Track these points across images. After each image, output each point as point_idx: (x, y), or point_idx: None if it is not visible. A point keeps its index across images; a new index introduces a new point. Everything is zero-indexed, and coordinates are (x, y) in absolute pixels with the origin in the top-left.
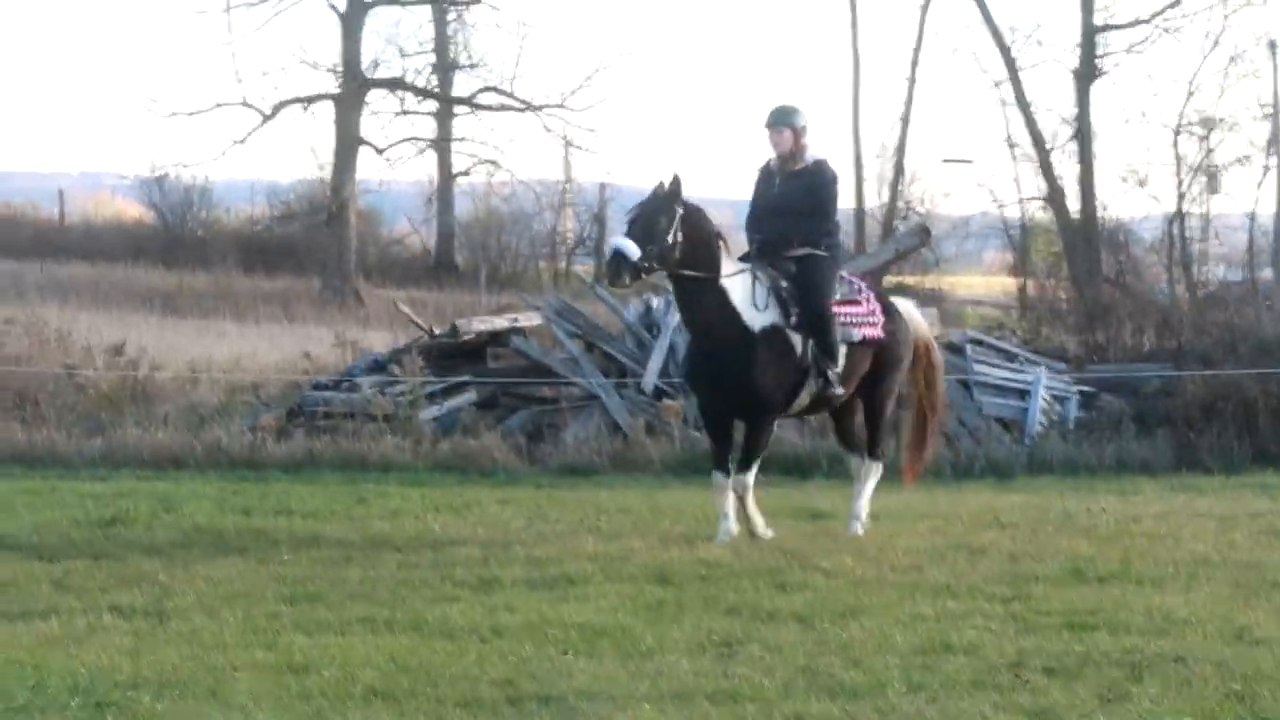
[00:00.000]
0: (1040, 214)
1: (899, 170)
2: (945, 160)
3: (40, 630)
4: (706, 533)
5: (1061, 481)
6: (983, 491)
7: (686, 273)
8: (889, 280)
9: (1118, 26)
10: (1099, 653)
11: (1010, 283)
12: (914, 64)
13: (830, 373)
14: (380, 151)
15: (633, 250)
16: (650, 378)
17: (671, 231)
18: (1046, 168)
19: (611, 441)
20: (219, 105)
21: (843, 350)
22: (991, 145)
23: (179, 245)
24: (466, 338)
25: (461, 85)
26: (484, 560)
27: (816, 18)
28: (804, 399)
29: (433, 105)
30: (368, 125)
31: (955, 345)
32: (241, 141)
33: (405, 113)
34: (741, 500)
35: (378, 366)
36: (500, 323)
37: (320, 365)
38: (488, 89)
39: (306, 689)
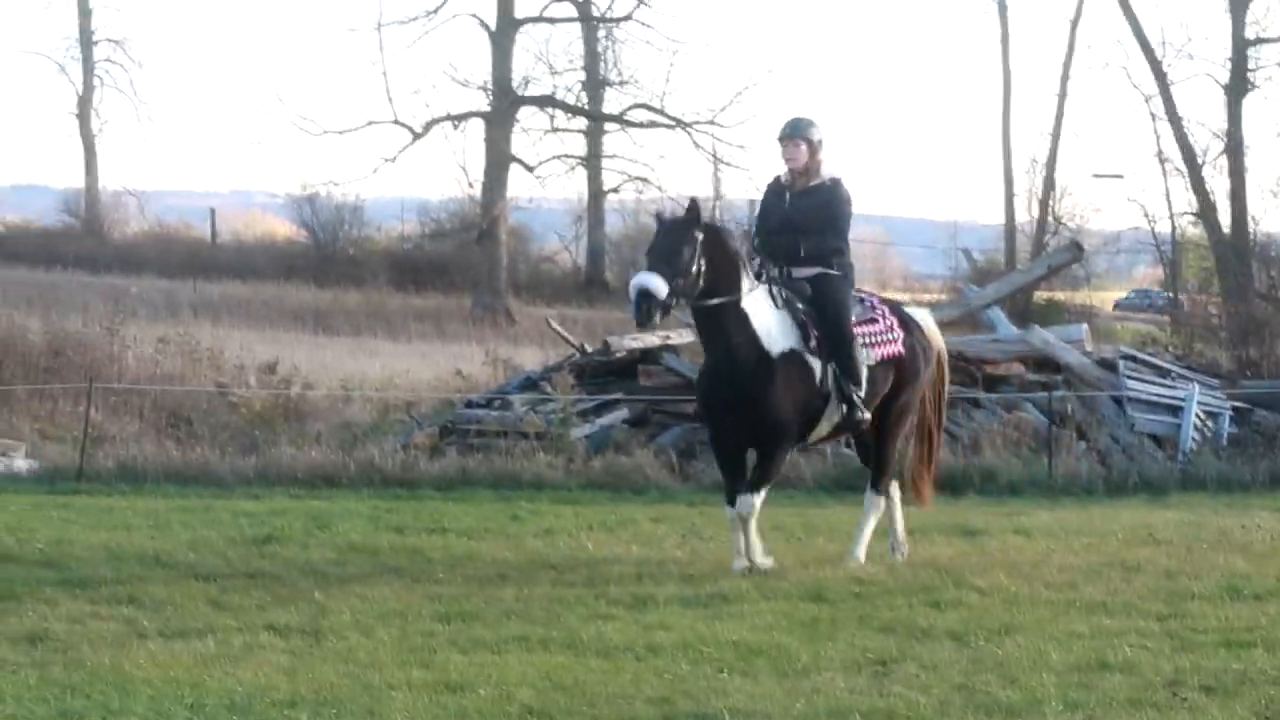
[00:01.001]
0: (1191, 229)
1: (1049, 185)
2: (1095, 175)
3: (197, 649)
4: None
5: (1215, 498)
6: (1137, 508)
7: (711, 301)
8: (1039, 295)
9: (1269, 40)
10: (1256, 670)
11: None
12: (1064, 79)
13: (855, 397)
14: (531, 169)
15: (660, 287)
16: None
17: (695, 261)
18: (1197, 182)
19: None
20: (370, 123)
21: (864, 373)
22: (1142, 160)
23: (330, 263)
24: (618, 355)
25: (612, 102)
26: (638, 578)
27: (967, 32)
28: (824, 428)
29: (583, 122)
30: (518, 142)
31: (1108, 361)
32: (392, 159)
33: (555, 130)
34: (744, 524)
35: (530, 384)
36: (652, 340)
37: (472, 383)
38: (638, 106)
39: (462, 708)
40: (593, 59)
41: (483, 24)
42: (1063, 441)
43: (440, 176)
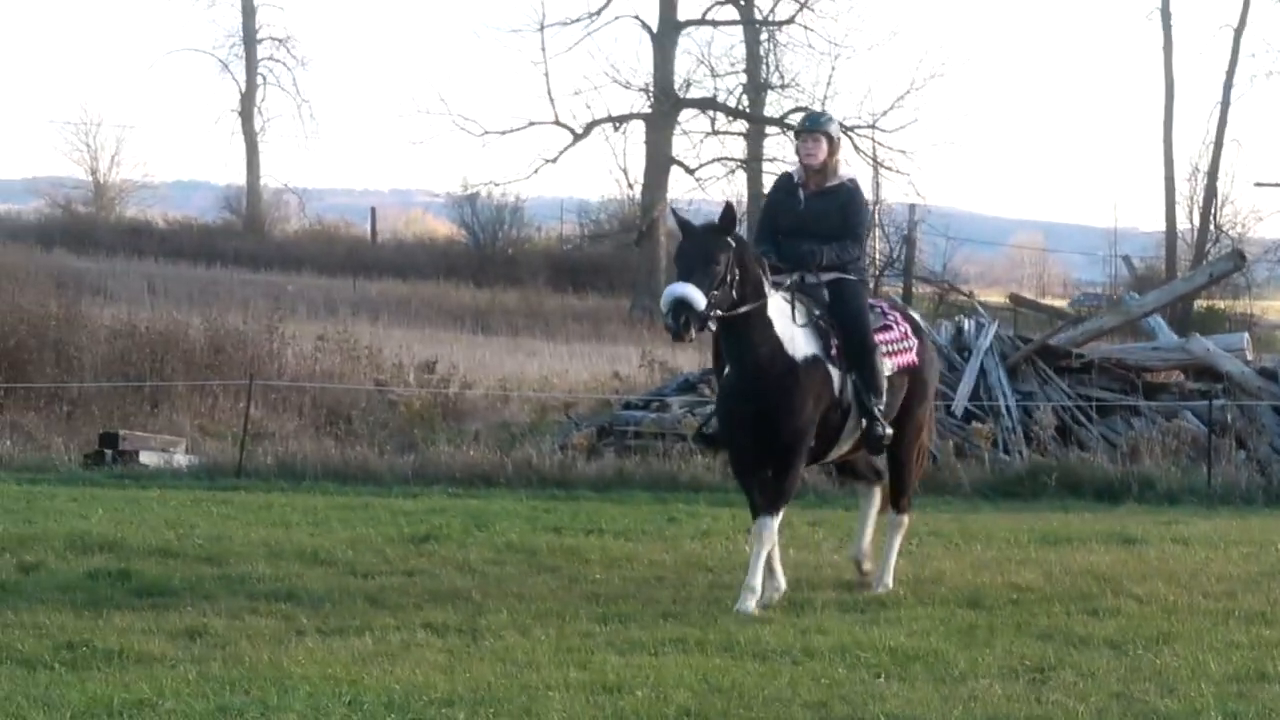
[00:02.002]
0: None
1: (1211, 193)
2: (1258, 184)
3: (355, 646)
4: (1018, 557)
5: None
6: None
7: (739, 310)
8: (1199, 303)
9: None
10: None
11: None
12: (1227, 86)
13: (876, 410)
14: (691, 171)
15: (699, 299)
16: (960, 400)
17: (730, 270)
18: None
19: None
20: (531, 124)
21: (884, 385)
22: None
23: (489, 263)
24: None
25: (773, 106)
26: (795, 582)
27: (1130, 41)
28: (844, 445)
29: (743, 125)
30: (679, 144)
31: (1269, 370)
32: (553, 160)
33: (716, 132)
34: (759, 546)
35: (687, 386)
36: None
37: (630, 384)
38: (799, 109)
39: (619, 709)
40: (754, 62)
41: (644, 26)
42: (1222, 450)
43: (600, 178)
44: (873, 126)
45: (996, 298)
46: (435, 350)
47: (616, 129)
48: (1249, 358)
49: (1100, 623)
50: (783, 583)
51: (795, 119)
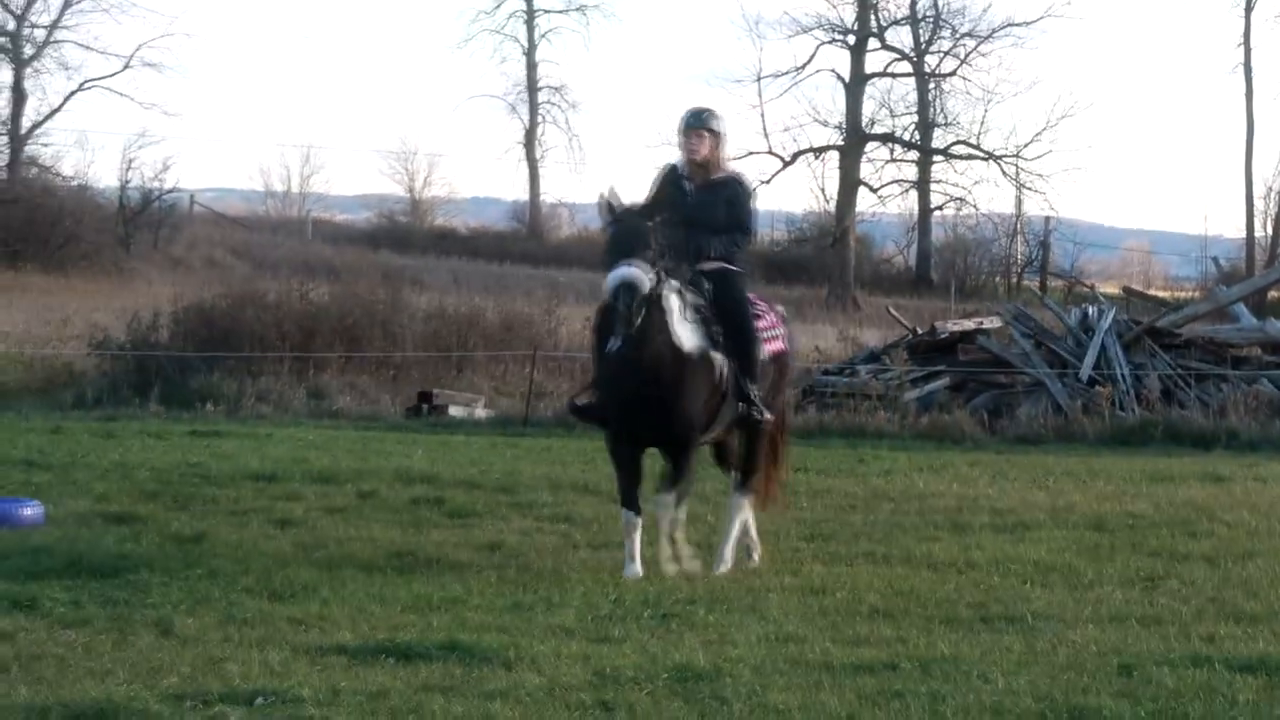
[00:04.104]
0: None
1: None
2: None
3: (619, 557)
4: (1132, 491)
5: None
6: None
7: (658, 294)
8: (1273, 294)
9: None
10: None
11: None
12: None
13: (754, 395)
14: (874, 190)
15: (644, 280)
16: (1086, 369)
17: (659, 254)
18: None
19: (1055, 418)
20: (750, 153)
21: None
22: None
23: None
24: (942, 336)
25: (938, 139)
26: (958, 509)
27: (1218, 85)
28: (718, 427)
29: (915, 155)
30: (865, 169)
31: None
32: (767, 182)
33: (894, 160)
34: (671, 534)
35: (872, 357)
36: (968, 325)
37: (827, 356)
38: (959, 142)
39: (824, 607)
40: (924, 105)
41: (839, 77)
42: None
43: (803, 195)
44: (1017, 155)
45: (1113, 290)
46: None
47: (816, 157)
48: None
49: (1198, 543)
50: (687, 559)
51: (956, 150)
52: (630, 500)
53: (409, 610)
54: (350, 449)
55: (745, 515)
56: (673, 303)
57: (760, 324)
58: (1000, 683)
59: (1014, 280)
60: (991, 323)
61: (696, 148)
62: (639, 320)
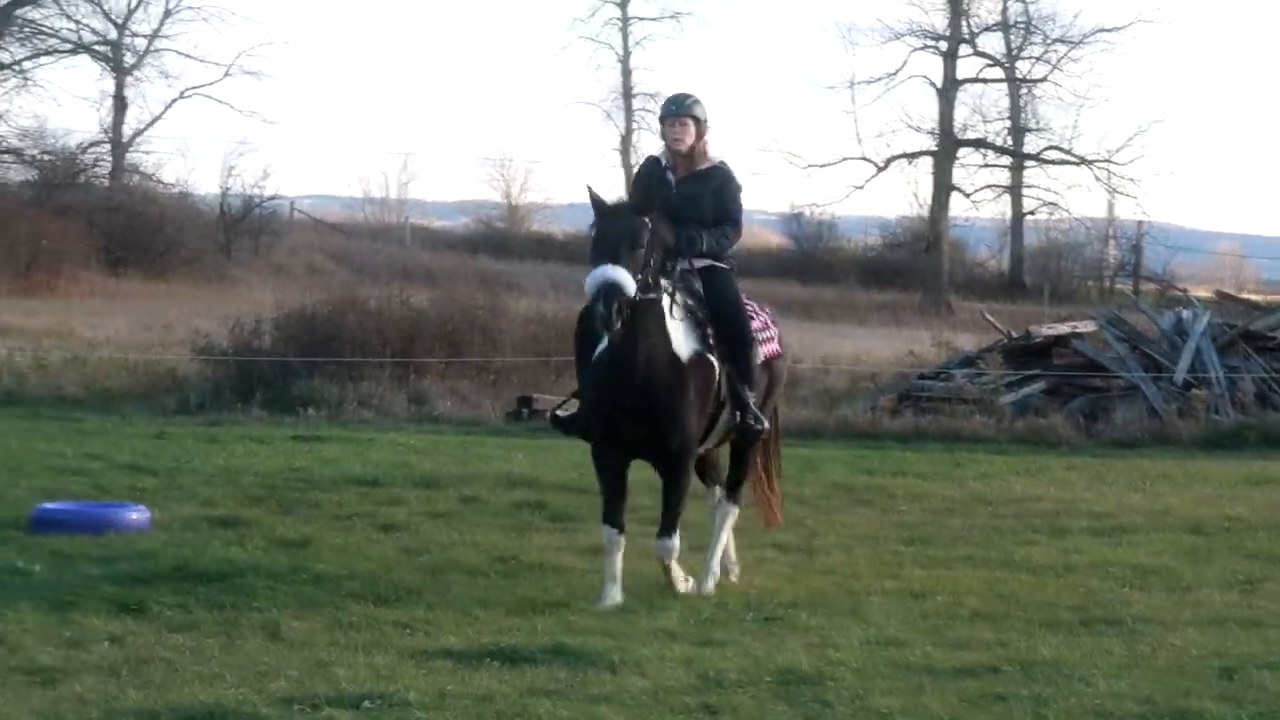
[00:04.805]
0: None
1: None
2: None
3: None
4: (1229, 494)
5: None
6: None
7: (648, 297)
8: None
9: None
10: None
11: None
12: None
13: (751, 402)
14: (967, 195)
15: (629, 283)
16: (1180, 373)
17: (650, 253)
18: None
19: (1150, 422)
20: (844, 159)
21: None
22: None
23: (812, 267)
24: (1036, 340)
25: (1030, 144)
26: (1055, 513)
27: None
28: (713, 439)
29: (1008, 160)
30: (957, 175)
31: None
32: (860, 187)
33: (986, 166)
34: (668, 568)
35: (967, 361)
36: (1062, 329)
37: (923, 360)
38: (1051, 148)
39: (925, 610)
40: (1016, 110)
41: (931, 83)
42: None
43: (896, 200)
44: (1109, 160)
45: (1205, 293)
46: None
47: (909, 163)
48: None
49: None
50: (680, 581)
51: (1048, 155)
52: (614, 516)
53: (514, 614)
54: (452, 453)
55: (731, 524)
56: (664, 304)
57: (754, 325)
58: (1102, 686)
59: (1107, 284)
60: (1085, 327)
61: (680, 136)
62: (619, 324)
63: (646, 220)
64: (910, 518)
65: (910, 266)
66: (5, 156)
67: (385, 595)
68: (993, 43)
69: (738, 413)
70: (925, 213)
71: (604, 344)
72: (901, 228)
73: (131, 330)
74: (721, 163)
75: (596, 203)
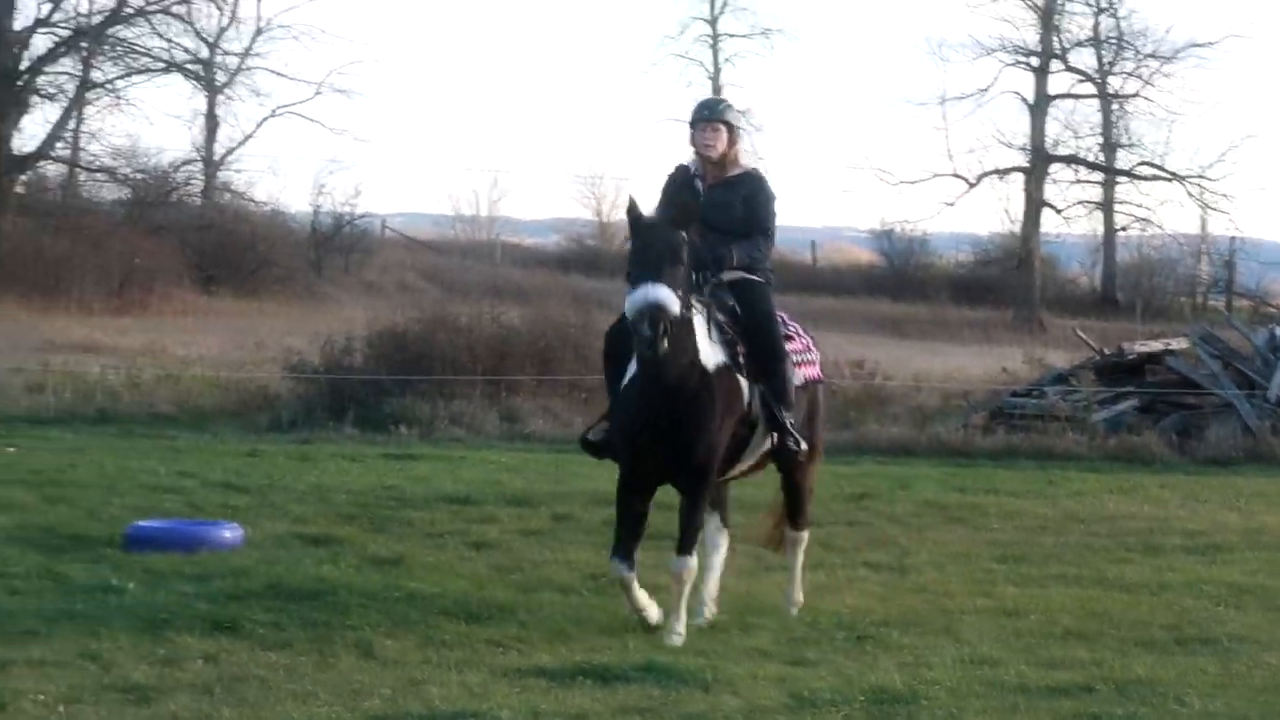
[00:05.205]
0: None
1: None
2: None
3: (812, 580)
4: None
5: None
6: None
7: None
8: None
9: None
10: None
11: None
12: None
13: (788, 422)
14: (1059, 211)
15: (674, 302)
16: (1275, 389)
17: (689, 269)
18: None
19: (1244, 439)
20: (935, 175)
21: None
22: None
23: (904, 283)
24: (1129, 357)
25: (1123, 160)
26: (1150, 531)
27: None
28: (746, 461)
29: (1099, 176)
30: (1049, 191)
31: None
32: (951, 204)
33: (1078, 181)
34: (680, 587)
35: (1060, 379)
36: (1155, 345)
37: (1014, 377)
38: (1143, 163)
39: (1018, 629)
40: (1108, 126)
41: (1023, 99)
42: None
43: (988, 216)
44: (1201, 176)
45: None
46: (863, 350)
47: (1001, 179)
48: None
49: None
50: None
51: (1140, 170)
52: (626, 551)
53: (606, 632)
54: (544, 471)
55: (803, 551)
56: (697, 320)
57: (793, 346)
58: (1196, 705)
59: (1200, 301)
60: (1178, 344)
61: (711, 142)
62: (665, 346)
63: (685, 236)
64: (1003, 536)
65: (1002, 283)
66: (98, 175)
67: (478, 613)
68: (1084, 58)
69: (773, 434)
70: (1017, 229)
71: (634, 365)
72: (993, 244)
73: (223, 348)
74: (753, 169)
75: (634, 218)
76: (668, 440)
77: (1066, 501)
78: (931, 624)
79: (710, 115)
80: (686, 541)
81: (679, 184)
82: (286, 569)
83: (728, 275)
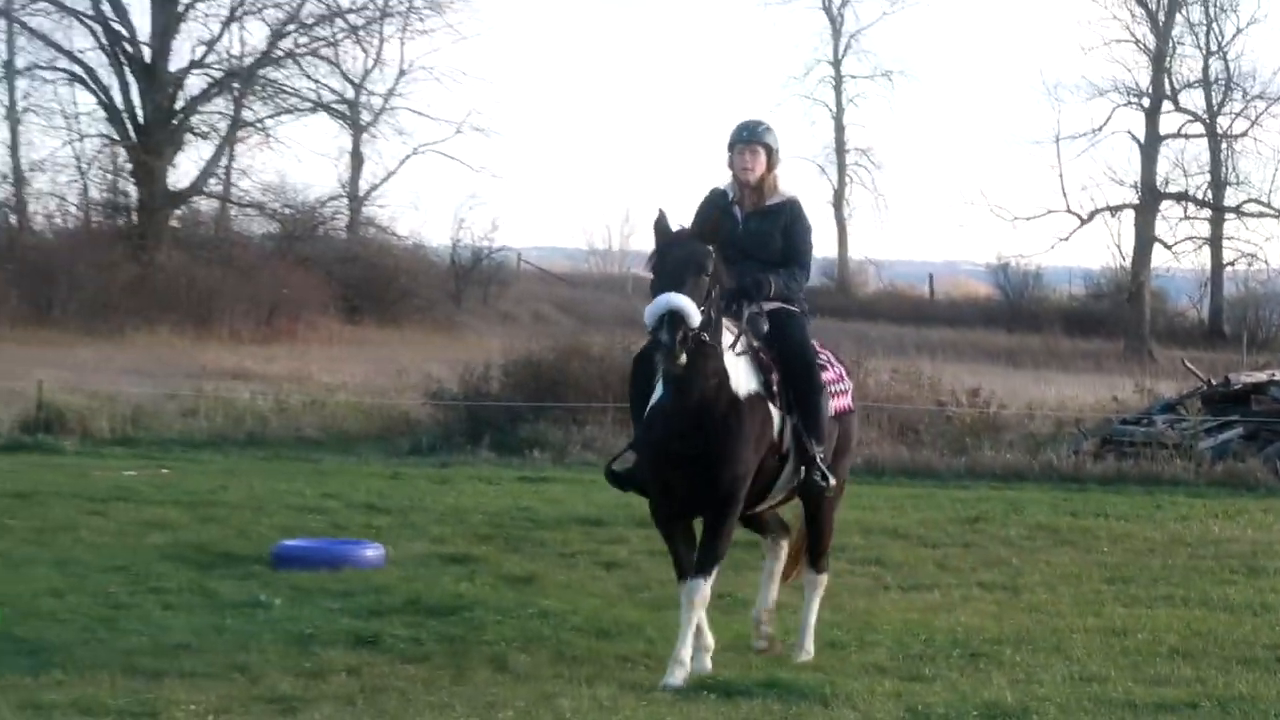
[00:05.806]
0: None
1: None
2: None
3: (927, 599)
4: None
5: None
6: None
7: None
8: None
9: None
10: None
11: None
12: None
13: (818, 456)
14: (1168, 247)
15: (694, 313)
16: None
17: (714, 283)
18: None
19: None
20: (1049, 212)
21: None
22: None
23: (1018, 315)
24: (1235, 387)
25: (1230, 197)
26: (1253, 554)
27: None
28: (778, 496)
29: (1208, 213)
30: (1159, 227)
31: None
32: (1065, 239)
33: (1187, 218)
34: (690, 612)
35: (1168, 408)
36: (1260, 376)
37: (1124, 406)
38: (1250, 200)
39: (1126, 647)
40: (1216, 164)
41: (1134, 138)
42: None
43: (1099, 251)
44: None
45: None
46: (979, 379)
47: (1112, 215)
48: None
49: None
50: (710, 639)
51: (1248, 208)
52: (685, 569)
53: (729, 649)
54: None
55: (821, 593)
56: (726, 341)
57: (826, 376)
58: None
59: None
60: None
61: (750, 166)
62: (683, 356)
63: (710, 248)
64: (1112, 558)
65: (1113, 315)
66: (249, 210)
67: (607, 630)
68: (1194, 99)
69: (802, 468)
70: (1127, 264)
71: (659, 391)
72: (1104, 278)
73: (367, 375)
74: (793, 198)
75: (660, 230)
76: (694, 466)
77: (1173, 525)
78: (1042, 642)
79: (749, 137)
80: (705, 566)
81: (713, 207)
82: (425, 586)
83: (766, 305)
